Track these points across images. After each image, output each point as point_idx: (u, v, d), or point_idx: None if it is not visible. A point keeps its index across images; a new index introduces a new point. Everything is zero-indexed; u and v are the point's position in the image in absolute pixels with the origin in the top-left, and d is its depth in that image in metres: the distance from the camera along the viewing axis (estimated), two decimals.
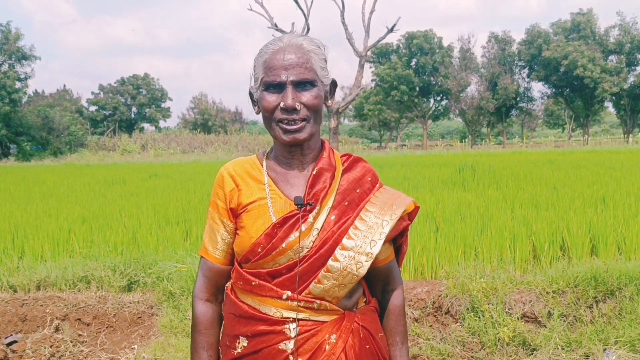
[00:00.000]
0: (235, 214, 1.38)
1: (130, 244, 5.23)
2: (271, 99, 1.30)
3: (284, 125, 1.30)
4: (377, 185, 1.44)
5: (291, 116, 1.29)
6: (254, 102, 1.40)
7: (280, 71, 1.29)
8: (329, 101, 1.41)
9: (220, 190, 1.40)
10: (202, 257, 1.44)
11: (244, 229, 1.34)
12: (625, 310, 3.55)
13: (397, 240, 1.47)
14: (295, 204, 1.31)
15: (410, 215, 1.45)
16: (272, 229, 1.30)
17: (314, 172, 1.35)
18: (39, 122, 43.57)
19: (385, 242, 1.34)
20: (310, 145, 1.37)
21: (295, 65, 1.29)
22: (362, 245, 1.31)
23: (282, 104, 1.29)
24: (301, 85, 1.30)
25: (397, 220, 1.36)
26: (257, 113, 1.39)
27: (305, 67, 1.30)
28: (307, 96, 1.30)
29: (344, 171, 1.41)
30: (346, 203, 1.36)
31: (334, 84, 1.42)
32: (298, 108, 1.29)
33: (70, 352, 3.66)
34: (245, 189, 1.37)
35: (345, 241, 1.31)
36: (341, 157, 1.45)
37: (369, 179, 1.43)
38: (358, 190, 1.39)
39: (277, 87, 1.30)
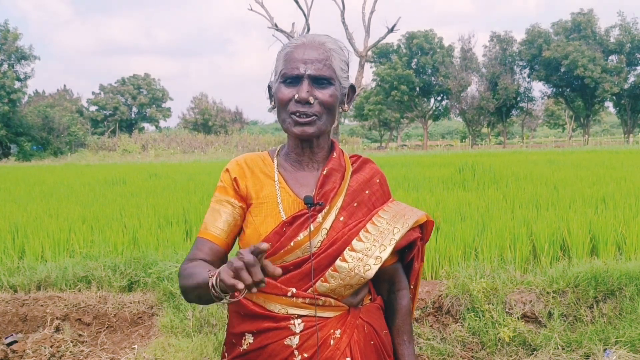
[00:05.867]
0: (244, 199, 1.37)
1: (131, 244, 5.22)
2: (287, 91, 1.31)
3: (296, 118, 1.30)
4: (390, 199, 1.45)
5: (304, 109, 1.30)
6: (271, 97, 1.40)
7: (299, 64, 1.30)
8: (346, 105, 1.41)
9: (228, 176, 1.40)
10: (198, 237, 1.40)
11: (253, 226, 1.34)
12: (626, 310, 3.55)
13: (405, 255, 1.46)
14: (305, 204, 1.31)
15: (425, 233, 1.45)
16: (281, 227, 1.31)
17: (324, 173, 1.36)
18: (39, 122, 43.61)
19: (394, 249, 1.34)
20: (320, 144, 1.38)
21: (315, 61, 1.30)
22: (372, 249, 1.31)
23: (296, 96, 1.29)
24: (318, 81, 1.31)
25: (408, 230, 1.37)
26: (272, 108, 1.40)
27: (325, 63, 1.31)
28: (322, 93, 1.31)
29: (354, 172, 1.42)
30: (355, 204, 1.37)
31: (352, 89, 1.42)
32: (312, 102, 1.29)
33: (70, 352, 3.66)
34: (255, 182, 1.38)
35: (355, 243, 1.31)
36: (350, 158, 1.46)
37: (378, 180, 1.44)
38: (367, 192, 1.40)
39: (295, 79, 1.31)
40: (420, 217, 1.40)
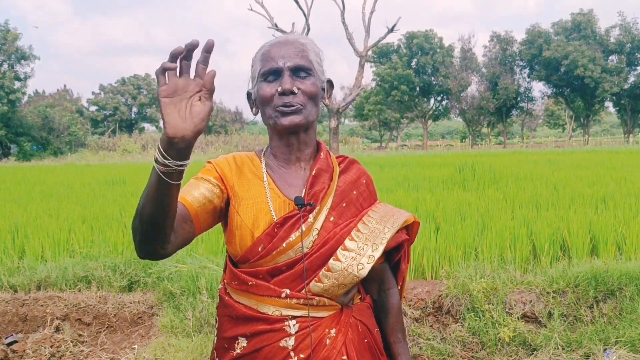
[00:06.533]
0: (226, 189, 1.34)
1: (131, 244, 5.22)
2: (268, 87, 1.32)
3: (282, 108, 1.30)
4: (377, 201, 1.46)
5: (289, 99, 1.30)
6: (252, 104, 1.40)
7: (277, 59, 1.32)
8: (327, 100, 1.42)
9: (212, 167, 1.37)
10: None
11: (243, 227, 1.32)
12: (626, 310, 3.55)
13: (393, 256, 1.47)
14: (296, 204, 1.31)
15: (411, 234, 1.46)
16: (272, 229, 1.30)
17: (313, 173, 1.36)
18: (39, 122, 43.68)
19: (385, 249, 1.35)
20: (306, 140, 1.38)
21: (292, 54, 1.32)
22: (364, 248, 1.32)
23: (279, 88, 1.30)
24: (298, 72, 1.32)
25: (398, 229, 1.38)
26: (255, 114, 1.39)
27: (302, 55, 1.33)
28: (304, 83, 1.32)
29: (341, 172, 1.42)
30: (344, 204, 1.37)
31: (330, 84, 1.44)
32: (296, 91, 1.30)
33: (70, 352, 3.66)
34: (243, 181, 1.36)
35: (347, 242, 1.32)
36: (336, 158, 1.47)
37: (364, 181, 1.45)
38: (355, 192, 1.41)
39: (275, 75, 1.32)
40: (408, 218, 1.42)
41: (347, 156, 1.49)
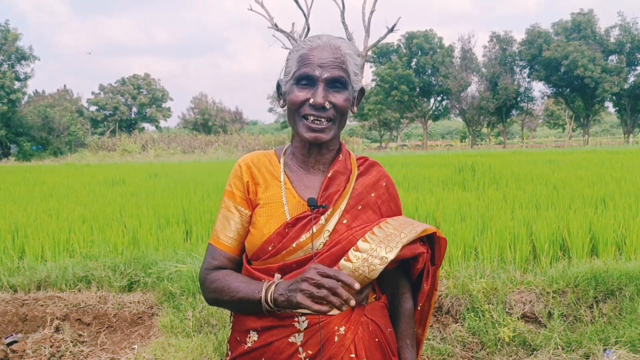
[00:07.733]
0: (252, 205, 1.39)
1: (131, 244, 5.23)
2: (300, 93, 1.30)
3: (309, 123, 1.30)
4: (401, 215, 1.46)
5: (318, 113, 1.29)
6: (280, 95, 1.40)
7: (314, 67, 1.29)
8: (354, 108, 1.41)
9: (238, 181, 1.41)
10: (210, 245, 1.42)
11: (257, 226, 1.35)
12: (626, 310, 3.55)
13: (413, 269, 1.43)
14: (308, 206, 1.32)
15: (438, 256, 1.44)
16: (283, 228, 1.32)
17: (329, 175, 1.37)
18: (39, 122, 43.67)
19: (398, 257, 1.32)
20: (329, 147, 1.39)
21: (331, 64, 1.30)
22: (377, 249, 1.30)
23: (311, 100, 1.29)
24: (333, 85, 1.31)
25: (416, 237, 1.35)
26: (282, 107, 1.39)
27: (341, 67, 1.31)
28: (337, 97, 1.31)
29: (359, 175, 1.42)
30: (359, 207, 1.37)
31: (361, 92, 1.43)
32: (327, 107, 1.29)
33: (70, 352, 3.66)
34: (262, 183, 1.39)
35: (360, 243, 1.31)
36: (357, 160, 1.46)
37: (384, 183, 1.45)
38: (373, 194, 1.40)
39: (309, 81, 1.30)
40: (427, 228, 1.40)
41: (368, 158, 1.48)
